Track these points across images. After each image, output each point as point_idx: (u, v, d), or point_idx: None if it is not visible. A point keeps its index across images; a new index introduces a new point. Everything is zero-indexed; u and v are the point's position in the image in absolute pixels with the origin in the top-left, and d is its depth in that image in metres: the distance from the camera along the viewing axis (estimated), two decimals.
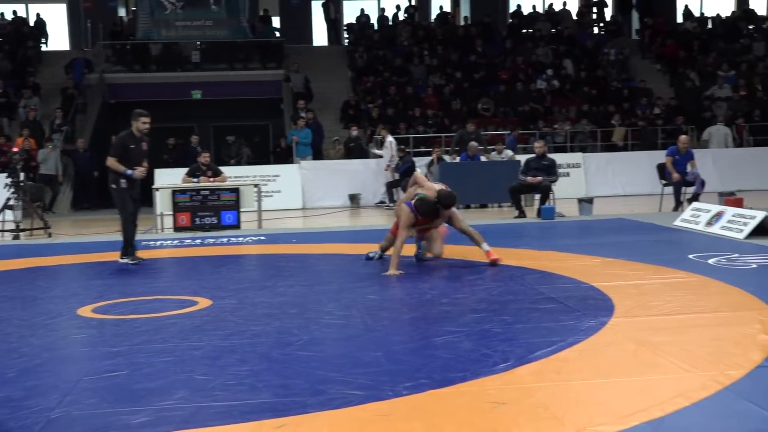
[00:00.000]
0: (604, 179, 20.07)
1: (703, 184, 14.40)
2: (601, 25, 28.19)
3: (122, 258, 9.56)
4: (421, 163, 18.61)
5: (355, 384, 4.39)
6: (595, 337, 5.31)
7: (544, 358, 4.83)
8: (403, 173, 17.77)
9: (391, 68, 24.33)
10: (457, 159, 18.23)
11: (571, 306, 6.35)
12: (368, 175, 19.06)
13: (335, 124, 22.88)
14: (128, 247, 9.59)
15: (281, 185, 18.63)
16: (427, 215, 8.35)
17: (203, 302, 6.93)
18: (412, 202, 8.38)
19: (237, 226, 13.48)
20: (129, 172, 9.32)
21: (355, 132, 20.15)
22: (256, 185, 14.29)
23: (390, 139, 18.50)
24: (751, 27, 27.50)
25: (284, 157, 20.54)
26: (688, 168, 14.62)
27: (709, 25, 27.85)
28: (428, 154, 19.35)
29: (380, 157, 18.80)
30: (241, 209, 13.69)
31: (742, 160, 20.67)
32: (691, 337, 5.22)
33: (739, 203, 12.44)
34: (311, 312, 6.43)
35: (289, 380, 4.50)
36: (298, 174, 18.88)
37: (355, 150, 20.05)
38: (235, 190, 13.70)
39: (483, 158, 17.99)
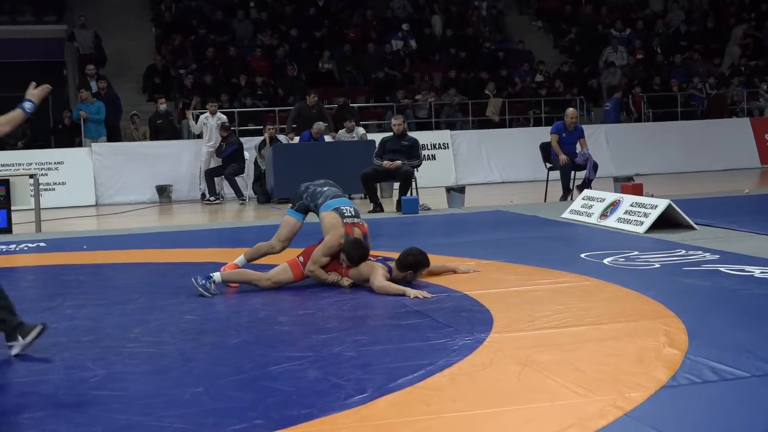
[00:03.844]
0: (478, 163, 20.57)
1: (595, 167, 14.93)
2: None
3: None
4: (249, 144, 18.54)
5: (169, 429, 4.33)
6: (471, 358, 5.42)
7: (408, 386, 4.89)
8: (228, 158, 17.64)
9: (207, 24, 24.08)
10: (296, 139, 18.25)
11: (441, 320, 6.46)
12: (182, 160, 18.80)
13: (137, 96, 22.44)
14: None
15: (66, 175, 18.13)
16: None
17: None
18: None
19: (7, 230, 13.05)
20: None
21: (163, 105, 19.84)
22: (32, 176, 13.86)
23: (220, 115, 18.36)
24: None
25: (69, 138, 19.95)
26: (578, 148, 15.15)
27: None
28: (259, 133, 19.28)
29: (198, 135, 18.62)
30: (13, 208, 13.26)
31: (641, 137, 21.64)
32: (584, 354, 5.41)
33: (638, 190, 12.97)
34: (110, 339, 6.28)
35: (83, 428, 4.39)
36: (89, 160, 18.43)
37: (165, 129, 19.73)
38: (4, 183, 13.24)
39: (328, 138, 18.09)
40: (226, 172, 17.67)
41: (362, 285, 7.79)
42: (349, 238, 7.81)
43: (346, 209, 8.01)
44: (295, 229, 8.33)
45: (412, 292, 7.33)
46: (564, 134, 15.12)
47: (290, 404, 4.66)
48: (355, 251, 7.76)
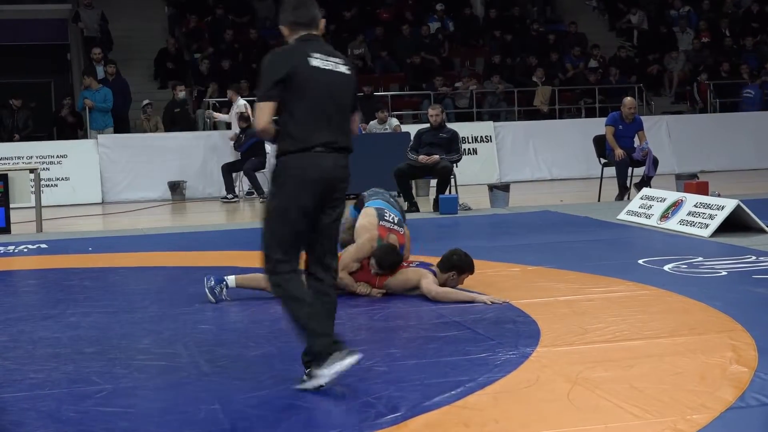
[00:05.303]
0: (524, 158, 20.50)
1: (655, 163, 14.85)
2: None
3: None
4: None
5: None
6: (515, 375, 5.42)
7: (446, 405, 4.90)
8: (247, 151, 17.69)
9: (225, 3, 24.16)
10: None
11: (482, 333, 6.46)
12: (196, 154, 18.87)
13: (147, 82, 22.51)
14: None
15: (70, 170, 18.22)
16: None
17: None
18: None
19: (6, 230, 13.15)
20: None
21: (182, 93, 19.94)
22: (32, 170, 13.94)
23: (241, 102, 18.41)
24: None
25: (73, 128, 20.07)
26: (636, 142, 15.07)
27: None
28: None
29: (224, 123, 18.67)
30: (11, 205, 13.36)
31: (706, 130, 21.46)
32: (641, 372, 5.40)
33: (703, 189, 12.89)
34: (117, 350, 6.32)
35: None
36: (95, 153, 18.51)
37: (181, 119, 19.85)
38: (2, 178, 13.34)
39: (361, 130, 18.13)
40: (245, 167, 17.70)
41: (406, 294, 7.76)
42: (382, 242, 7.80)
43: (389, 214, 8.02)
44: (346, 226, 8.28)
45: (486, 297, 7.36)
46: (621, 126, 15.04)
47: (315, 424, 4.68)
48: (386, 256, 7.73)
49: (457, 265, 7.71)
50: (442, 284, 7.66)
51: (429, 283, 7.58)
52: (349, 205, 8.47)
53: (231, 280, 7.87)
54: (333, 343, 5.15)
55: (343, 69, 5.46)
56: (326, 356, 5.10)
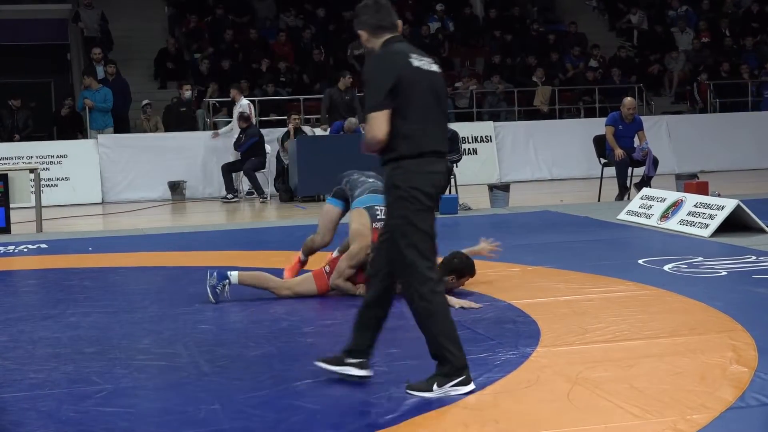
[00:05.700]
0: (524, 158, 20.50)
1: (655, 163, 14.85)
2: None
3: None
4: (272, 137, 18.57)
5: None
6: (515, 375, 5.43)
7: (446, 405, 4.91)
8: (247, 151, 17.68)
9: (225, 3, 24.16)
10: (328, 131, 18.27)
11: (482, 332, 6.47)
12: (197, 154, 18.86)
13: (147, 82, 22.52)
14: None
15: (70, 170, 18.22)
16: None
17: None
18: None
19: (6, 230, 13.15)
20: None
21: (188, 93, 19.96)
22: (32, 170, 13.95)
23: (245, 102, 18.42)
24: None
25: (73, 128, 20.07)
26: (636, 142, 15.07)
27: None
28: (281, 124, 19.31)
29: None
30: (12, 205, 13.37)
31: (706, 130, 21.46)
32: (641, 372, 5.40)
33: (703, 189, 12.90)
34: (117, 350, 6.33)
35: None
36: (95, 153, 18.51)
37: (188, 118, 19.88)
38: (2, 178, 13.34)
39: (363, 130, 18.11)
40: (245, 167, 17.70)
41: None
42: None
43: (379, 209, 7.80)
44: (335, 218, 8.27)
45: (456, 301, 7.31)
46: (621, 126, 15.04)
47: (315, 424, 4.68)
48: None
49: (457, 269, 7.71)
50: None
51: None
52: (327, 196, 8.49)
53: (234, 276, 7.83)
54: (464, 365, 5.09)
55: (435, 68, 5.40)
56: (456, 374, 5.06)
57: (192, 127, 19.89)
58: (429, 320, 5.14)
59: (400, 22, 5.48)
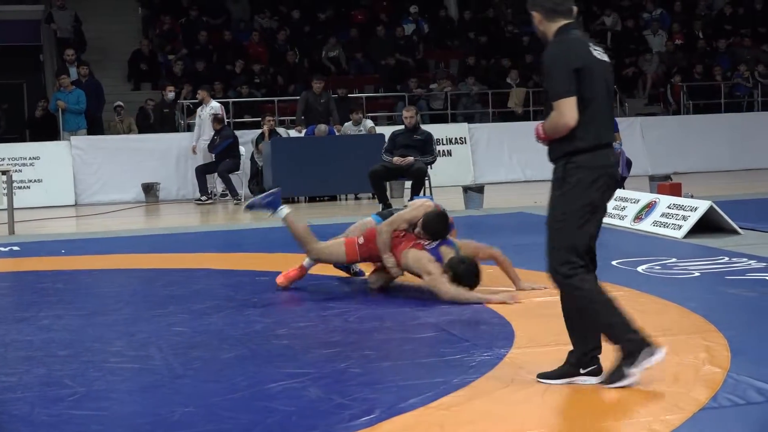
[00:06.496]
0: (498, 159, 20.55)
1: (629, 164, 14.92)
2: None
3: None
4: (245, 138, 18.55)
5: None
6: (490, 376, 5.43)
7: (421, 406, 4.90)
8: (221, 153, 17.65)
9: (200, 5, 24.11)
10: (303, 132, 18.29)
11: (457, 334, 6.47)
12: (171, 156, 18.81)
13: (120, 84, 22.46)
14: None
15: (42, 172, 18.15)
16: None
17: None
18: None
19: None
20: None
21: (171, 94, 19.92)
22: (4, 172, 13.88)
23: (216, 104, 18.38)
24: None
25: (46, 130, 19.98)
26: None
27: None
28: (256, 126, 19.28)
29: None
30: None
31: (680, 131, 21.58)
32: None
33: (676, 190, 12.96)
34: (90, 353, 6.31)
35: None
36: (68, 155, 18.44)
37: (171, 119, 19.88)
38: None
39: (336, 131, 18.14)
40: (219, 168, 17.67)
41: (416, 276, 7.78)
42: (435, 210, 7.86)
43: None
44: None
45: (497, 297, 7.41)
46: None
47: (289, 426, 4.67)
48: (436, 224, 7.79)
49: (457, 274, 7.63)
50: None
51: (439, 282, 7.50)
52: (372, 214, 8.51)
53: (283, 212, 8.06)
54: (642, 339, 5.05)
55: (606, 58, 5.33)
56: (637, 354, 5.01)
57: (174, 128, 19.87)
58: (592, 307, 5.14)
59: (575, 9, 5.32)
